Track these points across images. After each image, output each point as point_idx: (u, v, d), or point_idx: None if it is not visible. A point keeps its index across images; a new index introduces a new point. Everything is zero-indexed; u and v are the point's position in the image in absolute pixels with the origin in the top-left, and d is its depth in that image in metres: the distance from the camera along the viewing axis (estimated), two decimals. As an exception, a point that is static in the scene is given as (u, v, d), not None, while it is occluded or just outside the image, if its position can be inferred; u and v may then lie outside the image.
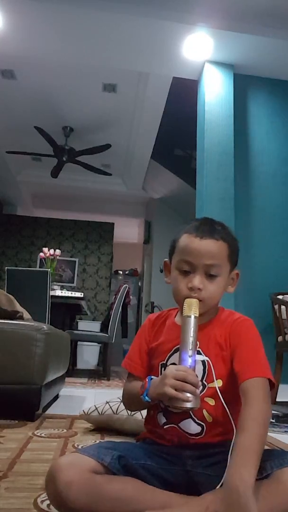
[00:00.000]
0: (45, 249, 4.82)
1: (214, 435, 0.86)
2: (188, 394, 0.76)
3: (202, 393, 0.85)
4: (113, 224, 8.21)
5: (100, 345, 6.00)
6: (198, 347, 0.86)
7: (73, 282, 7.66)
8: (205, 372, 0.87)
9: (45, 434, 1.49)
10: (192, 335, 0.81)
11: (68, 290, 4.96)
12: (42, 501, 0.84)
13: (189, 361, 0.80)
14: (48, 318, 3.70)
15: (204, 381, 0.87)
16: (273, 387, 0.82)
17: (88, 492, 0.71)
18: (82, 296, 4.57)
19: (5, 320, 1.85)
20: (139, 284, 8.53)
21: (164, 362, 0.92)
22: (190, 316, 0.83)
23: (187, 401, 0.76)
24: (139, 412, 1.44)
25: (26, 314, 2.11)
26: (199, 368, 0.86)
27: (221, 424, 0.86)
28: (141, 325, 1.03)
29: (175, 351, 0.90)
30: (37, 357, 1.76)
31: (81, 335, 4.76)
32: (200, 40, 3.69)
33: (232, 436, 0.75)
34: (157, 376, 0.87)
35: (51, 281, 4.05)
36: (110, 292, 7.79)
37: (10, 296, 2.11)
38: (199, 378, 0.83)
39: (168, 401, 0.79)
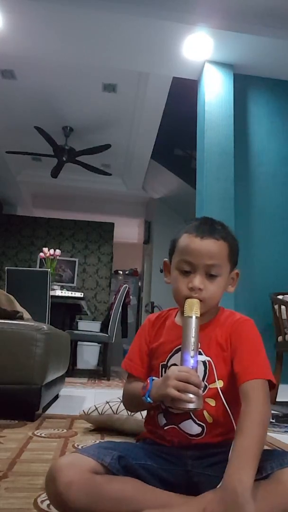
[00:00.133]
0: (45, 249, 4.82)
1: (215, 436, 0.86)
2: (191, 395, 0.76)
3: (203, 393, 0.85)
4: (113, 224, 8.20)
5: (100, 345, 6.00)
6: (199, 348, 0.86)
7: (73, 282, 7.66)
8: (206, 372, 0.87)
9: (45, 434, 1.49)
10: (193, 335, 0.81)
11: (68, 290, 4.97)
12: (42, 501, 0.84)
13: (191, 361, 0.80)
14: (48, 318, 3.70)
15: (205, 382, 0.87)
16: (273, 388, 0.82)
17: (88, 492, 0.71)
18: (82, 296, 4.57)
19: (5, 320, 1.85)
20: (139, 284, 8.53)
21: (165, 362, 0.91)
22: (191, 317, 0.83)
23: (190, 402, 0.76)
24: (139, 412, 1.43)
25: (26, 314, 2.11)
26: (200, 369, 0.86)
27: (222, 425, 0.86)
28: (141, 325, 1.03)
29: (176, 352, 0.90)
30: (37, 357, 1.76)
31: (81, 335, 4.76)
32: (200, 40, 3.68)
33: (232, 436, 0.75)
34: (158, 377, 0.87)
35: (51, 281, 4.05)
36: (110, 292, 7.79)
37: (10, 296, 2.11)
38: (201, 378, 0.83)
39: (170, 402, 0.79)
